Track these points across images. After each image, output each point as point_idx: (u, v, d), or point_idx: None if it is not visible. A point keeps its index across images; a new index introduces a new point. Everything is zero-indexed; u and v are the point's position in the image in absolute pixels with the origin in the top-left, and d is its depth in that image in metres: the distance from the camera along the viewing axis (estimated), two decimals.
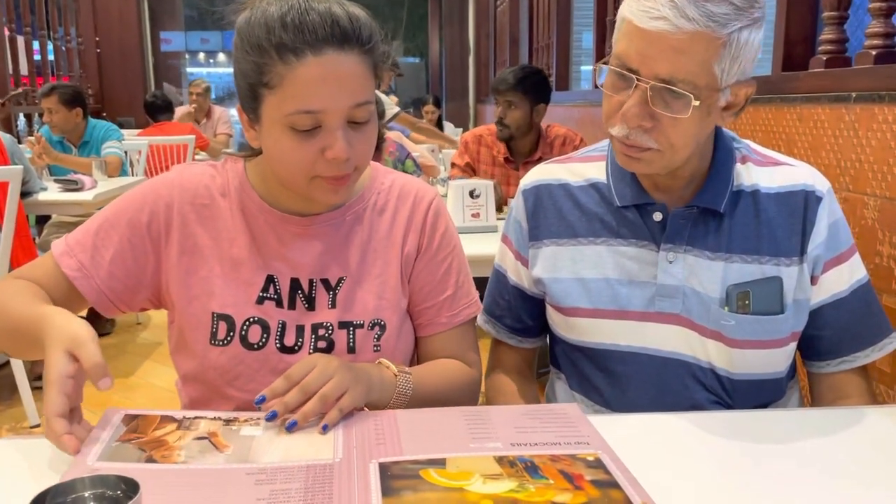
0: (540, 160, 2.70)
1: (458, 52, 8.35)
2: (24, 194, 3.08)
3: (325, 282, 0.98)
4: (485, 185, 2.24)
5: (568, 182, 1.08)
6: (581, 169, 1.09)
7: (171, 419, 0.83)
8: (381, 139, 2.66)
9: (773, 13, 1.93)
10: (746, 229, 0.99)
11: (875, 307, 1.03)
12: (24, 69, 5.84)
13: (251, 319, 0.95)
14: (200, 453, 0.76)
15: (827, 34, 1.75)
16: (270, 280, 0.96)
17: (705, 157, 1.00)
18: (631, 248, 1.02)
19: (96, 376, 0.74)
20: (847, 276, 1.01)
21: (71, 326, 0.77)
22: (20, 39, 5.80)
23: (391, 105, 3.78)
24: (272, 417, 0.81)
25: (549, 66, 4.82)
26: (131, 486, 0.57)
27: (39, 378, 2.40)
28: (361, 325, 0.97)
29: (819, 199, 0.99)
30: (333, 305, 0.97)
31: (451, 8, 8.32)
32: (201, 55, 10.12)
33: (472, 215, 2.22)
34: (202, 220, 0.97)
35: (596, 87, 3.36)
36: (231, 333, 0.94)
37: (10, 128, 4.71)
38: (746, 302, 0.97)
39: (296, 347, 0.95)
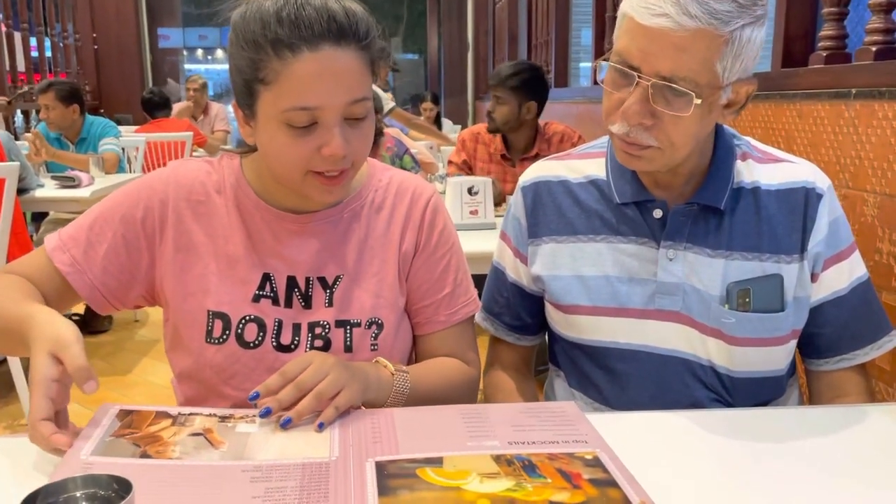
0: (537, 157, 2.70)
1: (456, 48, 8.33)
2: (21, 191, 3.07)
3: (322, 280, 0.97)
4: (483, 182, 2.23)
5: (567, 179, 1.08)
6: (580, 166, 1.08)
7: (167, 415, 0.82)
8: (378, 135, 2.65)
9: (772, 9, 1.93)
10: (747, 226, 0.98)
11: (875, 305, 1.03)
12: (21, 66, 5.83)
13: (247, 318, 0.94)
14: (195, 449, 0.75)
15: (827, 30, 1.74)
16: (267, 278, 0.96)
17: (706, 155, 0.99)
18: (631, 246, 1.02)
19: (80, 379, 0.73)
20: (847, 273, 1.00)
21: (55, 328, 0.76)
22: (17, 36, 5.78)
23: (387, 101, 3.77)
24: (266, 414, 0.81)
25: (548, 63, 4.81)
26: (124, 486, 0.56)
27: None
28: (358, 324, 0.96)
29: (820, 197, 0.99)
30: (330, 304, 0.96)
31: (450, 4, 8.30)
32: (199, 52, 10.10)
33: (471, 212, 2.21)
34: (197, 217, 0.97)
35: (595, 83, 3.35)
36: (227, 331, 0.93)
37: (7, 125, 4.69)
38: (747, 299, 0.97)
39: (292, 346, 0.94)
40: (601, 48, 3.72)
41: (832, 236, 0.99)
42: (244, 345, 0.93)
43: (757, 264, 0.97)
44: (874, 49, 1.55)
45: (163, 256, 0.96)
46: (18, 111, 5.43)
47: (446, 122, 6.44)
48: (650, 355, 1.01)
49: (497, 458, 0.75)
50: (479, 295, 1.13)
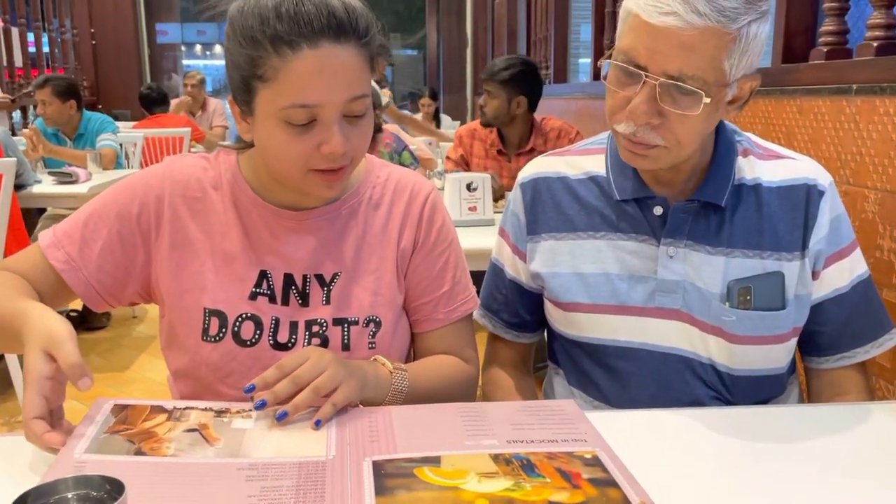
0: (532, 151, 2.71)
1: (455, 44, 8.30)
2: (18, 187, 3.06)
3: (320, 277, 0.96)
4: (482, 179, 2.22)
5: (566, 175, 1.07)
6: (580, 162, 1.07)
7: (162, 409, 0.82)
8: (377, 131, 2.64)
9: (773, 4, 1.91)
10: (748, 223, 0.98)
11: (876, 303, 1.02)
12: (18, 61, 5.80)
13: (244, 315, 0.93)
14: (190, 446, 0.75)
15: (828, 25, 1.73)
16: (263, 275, 0.95)
17: (707, 151, 0.99)
18: (631, 243, 1.01)
19: (74, 376, 0.72)
20: (848, 271, 1.00)
21: (48, 325, 0.75)
22: (14, 31, 5.76)
23: (383, 97, 3.76)
24: (261, 406, 0.80)
25: (547, 59, 4.80)
26: (116, 487, 0.55)
27: None
28: (356, 322, 0.95)
29: (821, 194, 0.98)
30: (328, 302, 0.95)
31: (450, 0, 8.27)
32: (198, 47, 10.06)
33: (470, 209, 2.20)
34: (193, 214, 0.96)
35: (596, 79, 3.35)
36: (223, 329, 0.92)
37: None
38: (748, 297, 0.96)
39: (289, 344, 0.93)
40: (600, 44, 3.71)
41: (833, 234, 0.98)
42: (241, 343, 0.92)
43: (758, 262, 0.97)
44: (875, 45, 1.54)
45: (158, 253, 0.95)
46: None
47: (445, 119, 6.43)
48: (650, 353, 1.00)
49: (495, 458, 0.74)
50: (479, 292, 1.12)
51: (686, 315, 0.98)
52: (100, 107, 6.85)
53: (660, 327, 0.99)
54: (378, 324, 0.96)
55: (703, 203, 0.98)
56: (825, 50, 1.71)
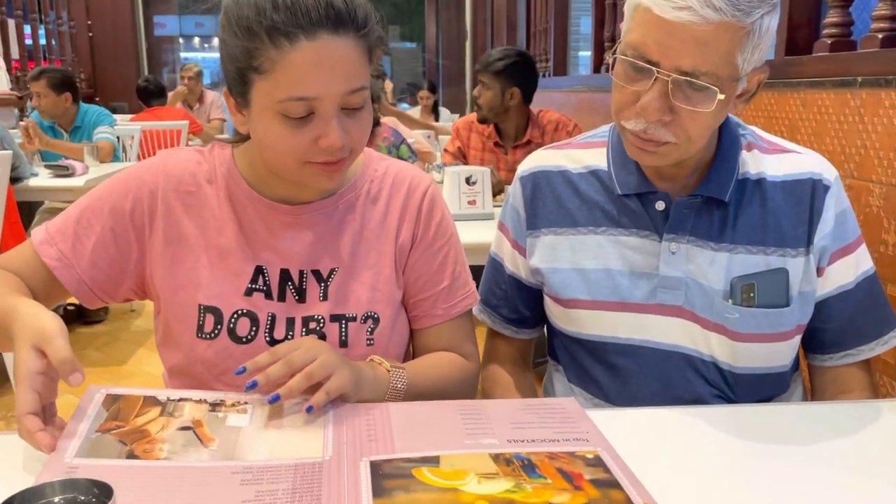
0: (529, 143, 2.70)
1: (454, 37, 8.26)
2: (15, 180, 3.05)
3: (317, 273, 0.95)
4: (482, 172, 2.20)
5: (567, 169, 1.05)
6: (580, 155, 1.06)
7: (155, 401, 0.80)
8: (375, 124, 2.62)
9: None
10: (752, 219, 0.96)
11: (881, 300, 1.01)
12: (15, 53, 5.76)
13: (239, 312, 0.92)
14: (184, 448, 0.73)
15: (832, 17, 1.71)
16: (259, 271, 0.93)
17: (711, 145, 0.97)
18: (632, 238, 0.99)
19: (65, 372, 0.71)
20: (854, 267, 0.98)
21: (38, 321, 0.74)
22: (11, 23, 5.72)
23: (383, 90, 3.74)
24: (252, 387, 0.79)
25: (547, 52, 4.77)
26: (104, 491, 0.54)
27: None
28: (354, 319, 0.94)
29: (827, 188, 0.96)
30: (325, 298, 0.94)
31: None
32: (196, 40, 10.01)
33: (469, 202, 2.19)
34: (187, 209, 0.94)
35: (596, 72, 3.31)
36: (218, 326, 0.91)
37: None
38: (751, 294, 0.94)
39: (286, 341, 0.92)
40: (601, 37, 3.68)
41: (839, 229, 0.97)
42: (236, 340, 0.91)
43: (762, 258, 0.95)
44: (880, 36, 1.53)
45: (153, 249, 0.94)
46: None
47: (444, 111, 6.40)
48: (652, 350, 0.99)
49: (496, 458, 0.73)
50: (478, 286, 1.10)
51: (688, 312, 0.97)
52: (97, 99, 6.82)
53: (661, 324, 0.98)
54: (376, 320, 0.95)
55: (707, 198, 0.96)
56: (829, 42, 1.70)
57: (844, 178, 1.53)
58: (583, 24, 4.88)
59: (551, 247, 1.04)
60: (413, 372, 0.92)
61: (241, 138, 0.96)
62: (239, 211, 0.94)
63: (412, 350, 1.05)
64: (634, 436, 0.81)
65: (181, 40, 9.30)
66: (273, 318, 0.92)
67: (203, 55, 9.77)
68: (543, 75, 4.65)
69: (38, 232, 0.93)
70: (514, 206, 1.09)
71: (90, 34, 7.35)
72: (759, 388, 0.99)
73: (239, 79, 0.84)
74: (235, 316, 0.91)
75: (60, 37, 6.77)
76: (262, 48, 0.80)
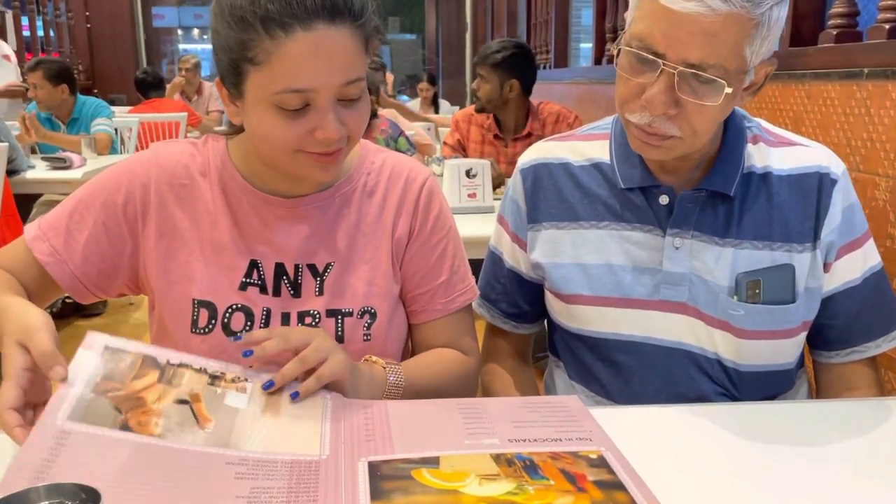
0: (530, 136, 2.68)
1: (454, 28, 8.22)
2: (11, 172, 3.03)
3: (312, 267, 0.93)
4: (482, 165, 2.18)
5: (569, 161, 1.03)
6: (583, 148, 1.04)
7: (154, 364, 0.76)
8: (372, 116, 2.60)
9: None
10: (757, 214, 0.94)
11: (888, 295, 0.99)
12: (13, 45, 5.73)
13: (234, 307, 0.90)
14: (179, 426, 0.71)
15: (837, 7, 1.69)
16: (254, 265, 0.92)
17: (716, 138, 0.95)
18: (635, 233, 0.97)
19: (46, 366, 0.69)
20: (861, 263, 0.96)
21: (24, 317, 0.73)
22: (9, 14, 5.69)
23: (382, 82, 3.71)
24: (247, 355, 0.78)
25: (548, 43, 4.74)
26: (91, 496, 0.52)
27: None
28: (350, 314, 0.92)
29: (834, 182, 0.94)
30: (321, 292, 0.92)
31: None
32: (195, 31, 9.95)
33: (469, 196, 2.17)
34: (181, 202, 0.92)
35: (597, 64, 3.28)
36: (213, 321, 0.89)
37: None
38: (757, 291, 0.93)
39: None
40: (602, 29, 3.66)
41: (846, 224, 0.95)
42: (231, 335, 0.89)
43: (767, 253, 0.93)
44: (887, 27, 1.51)
45: (146, 244, 0.92)
46: None
47: (444, 104, 6.37)
48: (654, 347, 0.97)
49: (497, 458, 0.71)
50: (478, 280, 1.09)
51: (692, 308, 0.95)
52: (95, 91, 6.79)
53: (664, 321, 0.96)
54: (373, 315, 0.93)
55: (711, 192, 0.94)
56: (835, 33, 1.67)
57: (850, 171, 1.50)
58: (584, 15, 4.85)
59: (552, 241, 1.02)
60: (411, 369, 0.90)
61: (235, 130, 0.94)
62: (233, 204, 0.92)
63: (411, 346, 1.04)
64: (637, 434, 0.80)
65: (180, 32, 9.25)
66: (268, 313, 0.90)
67: (202, 47, 9.72)
68: (544, 67, 4.62)
69: (30, 228, 0.92)
70: (513, 198, 1.07)
71: (88, 25, 7.31)
72: (764, 386, 0.98)
73: (232, 70, 0.82)
74: (230, 311, 0.90)
75: (58, 28, 6.74)
76: (257, 39, 0.78)
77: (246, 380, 0.80)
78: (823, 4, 1.84)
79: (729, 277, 0.93)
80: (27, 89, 4.55)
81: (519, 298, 1.10)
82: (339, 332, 0.92)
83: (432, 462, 0.70)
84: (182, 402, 0.74)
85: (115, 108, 4.26)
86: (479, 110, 2.77)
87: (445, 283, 0.98)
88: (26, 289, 0.89)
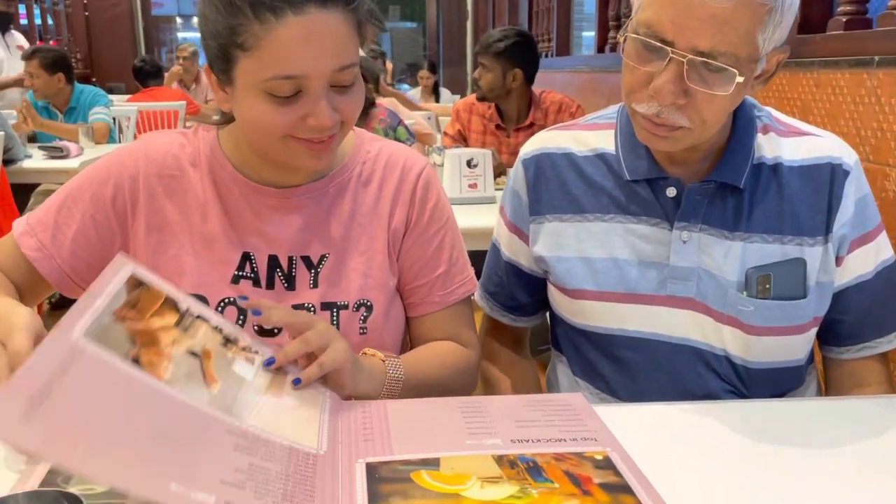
0: (532, 126, 2.65)
1: (455, 16, 8.15)
2: (8, 161, 3.01)
3: (307, 259, 0.91)
4: (483, 155, 2.16)
5: (572, 151, 1.00)
6: (587, 137, 1.01)
7: (174, 307, 0.72)
8: (370, 106, 2.56)
9: None
10: (768, 206, 0.91)
11: None
12: None
13: (226, 300, 0.88)
14: (186, 378, 0.67)
15: None
16: (246, 258, 0.89)
17: (725, 128, 0.92)
18: (641, 226, 0.95)
19: (16, 367, 0.66)
20: (873, 256, 0.94)
21: (9, 317, 0.70)
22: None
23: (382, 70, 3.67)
24: (257, 314, 0.78)
25: (549, 31, 4.70)
26: (73, 502, 0.50)
27: None
28: (346, 306, 0.90)
29: (846, 173, 0.92)
30: (315, 285, 0.90)
31: None
32: (194, 19, 9.88)
33: (470, 186, 2.15)
34: (170, 194, 0.90)
35: (600, 52, 3.23)
36: None
37: None
38: (767, 286, 0.90)
39: (275, 330, 0.88)
40: (605, 16, 3.61)
41: (858, 216, 0.92)
42: None
43: (778, 247, 0.91)
44: None
45: (136, 237, 0.90)
46: None
47: (444, 92, 6.33)
48: (661, 344, 0.94)
49: (499, 459, 0.69)
50: (479, 273, 1.07)
51: (700, 304, 0.92)
52: (94, 80, 6.74)
53: (671, 316, 0.94)
54: (369, 308, 0.91)
55: (720, 184, 0.91)
56: (844, 20, 1.64)
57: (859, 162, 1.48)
58: (586, 3, 4.79)
59: (556, 234, 0.99)
60: (410, 363, 0.88)
61: (226, 119, 0.92)
62: (224, 195, 0.90)
63: (409, 339, 1.01)
64: (643, 433, 0.78)
65: (179, 20, 9.19)
66: None
67: None
68: (546, 56, 4.58)
69: (18, 223, 0.90)
70: (514, 189, 1.04)
71: (86, 13, 7.26)
72: (774, 383, 0.95)
73: (221, 56, 0.79)
74: (222, 305, 0.88)
75: (56, 16, 6.69)
76: (246, 24, 0.76)
77: (256, 352, 0.77)
78: None
79: (738, 272, 0.91)
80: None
81: (516, 291, 1.08)
82: (335, 326, 0.89)
83: (432, 464, 0.68)
84: (193, 354, 0.70)
85: (113, 97, 4.23)
86: (481, 99, 2.74)
87: (444, 274, 0.96)
88: (16, 285, 0.87)
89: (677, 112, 0.82)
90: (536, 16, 5.13)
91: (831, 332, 0.97)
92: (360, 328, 0.90)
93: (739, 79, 0.79)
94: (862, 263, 0.93)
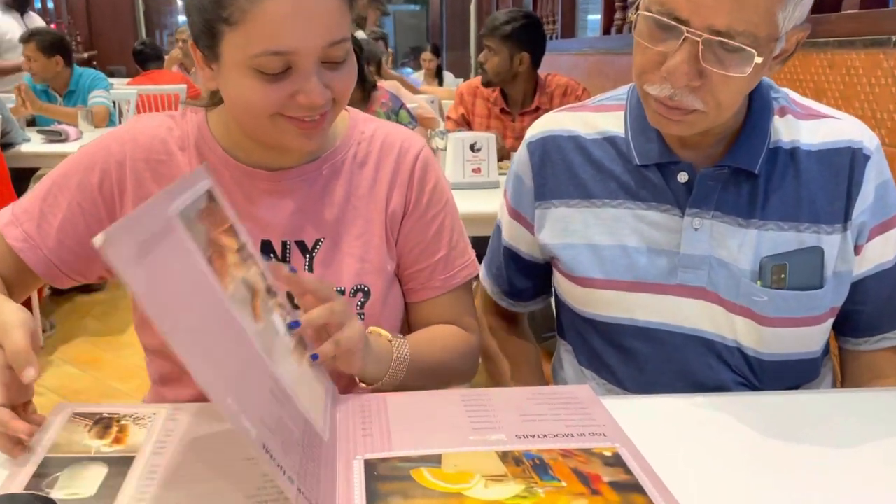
0: (538, 110, 2.61)
1: None
2: (6, 145, 2.98)
3: (301, 244, 0.88)
4: (486, 138, 2.12)
5: (579, 134, 0.96)
6: (595, 119, 0.97)
7: (235, 235, 0.70)
8: (372, 89, 2.52)
9: None
10: (784, 192, 0.88)
11: None
12: None
13: None
14: (241, 303, 0.65)
15: None
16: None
17: (740, 110, 0.88)
18: (651, 213, 0.91)
19: (17, 365, 0.65)
20: (893, 244, 0.90)
21: (1, 315, 0.68)
22: None
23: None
24: (293, 270, 0.74)
25: (554, 13, 4.63)
26: None
27: None
28: (342, 292, 0.87)
29: (867, 158, 0.88)
30: (310, 270, 0.88)
31: None
32: None
33: (473, 170, 2.12)
34: (158, 178, 0.87)
35: (606, 34, 3.16)
36: None
37: None
38: (782, 276, 0.86)
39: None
40: None
41: (879, 202, 0.89)
42: None
43: (794, 235, 0.87)
44: None
45: None
46: None
47: (448, 75, 6.27)
48: (670, 334, 0.91)
49: (503, 456, 0.66)
50: (481, 259, 1.05)
51: (711, 294, 0.89)
52: (94, 63, 6.69)
53: (682, 306, 0.90)
54: (366, 293, 0.88)
55: (734, 169, 0.88)
56: None
57: None
58: None
59: (563, 220, 0.96)
60: (414, 344, 0.86)
61: (215, 101, 0.88)
62: (214, 179, 0.86)
63: (408, 326, 0.98)
64: (652, 427, 0.76)
65: (179, 2, 9.10)
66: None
67: None
68: (550, 38, 4.51)
69: (4, 213, 0.87)
70: (518, 173, 1.01)
71: None
72: (787, 376, 0.92)
73: (206, 31, 0.76)
74: None
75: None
76: None
77: (288, 312, 0.75)
78: None
79: (752, 261, 0.87)
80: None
81: (513, 276, 1.07)
82: None
83: (433, 461, 0.65)
84: (247, 286, 0.68)
85: (114, 80, 4.19)
86: (487, 84, 2.69)
87: (444, 258, 0.93)
88: (3, 278, 0.84)
89: (691, 94, 0.78)
90: None
91: (848, 323, 0.94)
92: (358, 314, 0.88)
93: (758, 59, 0.75)
94: (882, 252, 0.90)
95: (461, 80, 6.11)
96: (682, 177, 0.89)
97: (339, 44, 0.76)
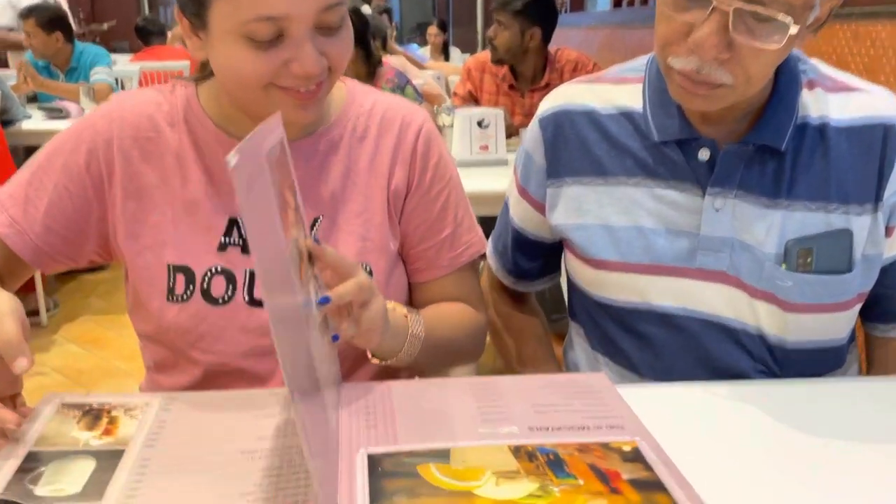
0: (548, 87, 2.55)
1: None
2: (6, 123, 2.95)
3: None
4: (494, 115, 2.07)
5: (594, 108, 0.92)
6: (611, 93, 0.92)
7: (294, 194, 0.68)
8: (377, 65, 2.46)
9: None
10: (812, 171, 0.83)
11: None
12: None
13: (213, 270, 0.81)
14: (294, 265, 0.62)
15: None
16: (233, 223, 0.82)
17: (767, 84, 0.83)
18: (670, 192, 0.86)
19: (8, 356, 0.62)
20: None
21: None
22: None
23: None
24: (316, 240, 0.70)
25: None
26: None
27: None
28: None
29: None
30: None
31: None
32: None
33: (481, 147, 2.07)
34: (147, 157, 0.82)
35: (616, 6, 3.08)
36: (191, 287, 0.81)
37: None
38: (809, 259, 0.82)
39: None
40: None
41: None
42: (212, 301, 0.81)
43: (822, 216, 0.82)
44: None
45: (113, 205, 0.83)
46: None
47: (454, 51, 6.18)
48: (689, 320, 0.87)
49: (516, 451, 0.63)
50: (487, 237, 1.01)
51: (733, 278, 0.85)
52: (97, 39, 6.63)
53: (701, 291, 0.86)
54: (369, 273, 0.84)
55: (759, 146, 0.83)
56: None
57: None
58: None
59: (576, 199, 0.92)
60: (427, 319, 0.82)
61: (205, 74, 0.84)
62: (206, 155, 0.82)
63: (413, 306, 0.95)
64: (672, 417, 0.73)
65: None
66: (251, 276, 0.81)
67: None
68: (560, 12, 4.42)
69: None
70: (527, 150, 0.97)
71: None
72: (811, 364, 0.87)
73: None
74: (209, 274, 0.81)
75: None
76: None
77: (318, 289, 0.71)
78: None
79: (777, 244, 0.83)
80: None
81: (516, 254, 1.04)
82: None
83: (441, 456, 0.62)
84: (297, 246, 0.65)
85: (117, 56, 4.13)
86: (496, 61, 2.62)
87: (450, 235, 0.90)
88: None
89: (720, 68, 0.73)
90: None
91: (878, 309, 0.90)
92: None
93: (793, 30, 0.69)
94: None
95: (467, 55, 6.02)
96: (704, 154, 0.85)
97: (333, 8, 0.71)
